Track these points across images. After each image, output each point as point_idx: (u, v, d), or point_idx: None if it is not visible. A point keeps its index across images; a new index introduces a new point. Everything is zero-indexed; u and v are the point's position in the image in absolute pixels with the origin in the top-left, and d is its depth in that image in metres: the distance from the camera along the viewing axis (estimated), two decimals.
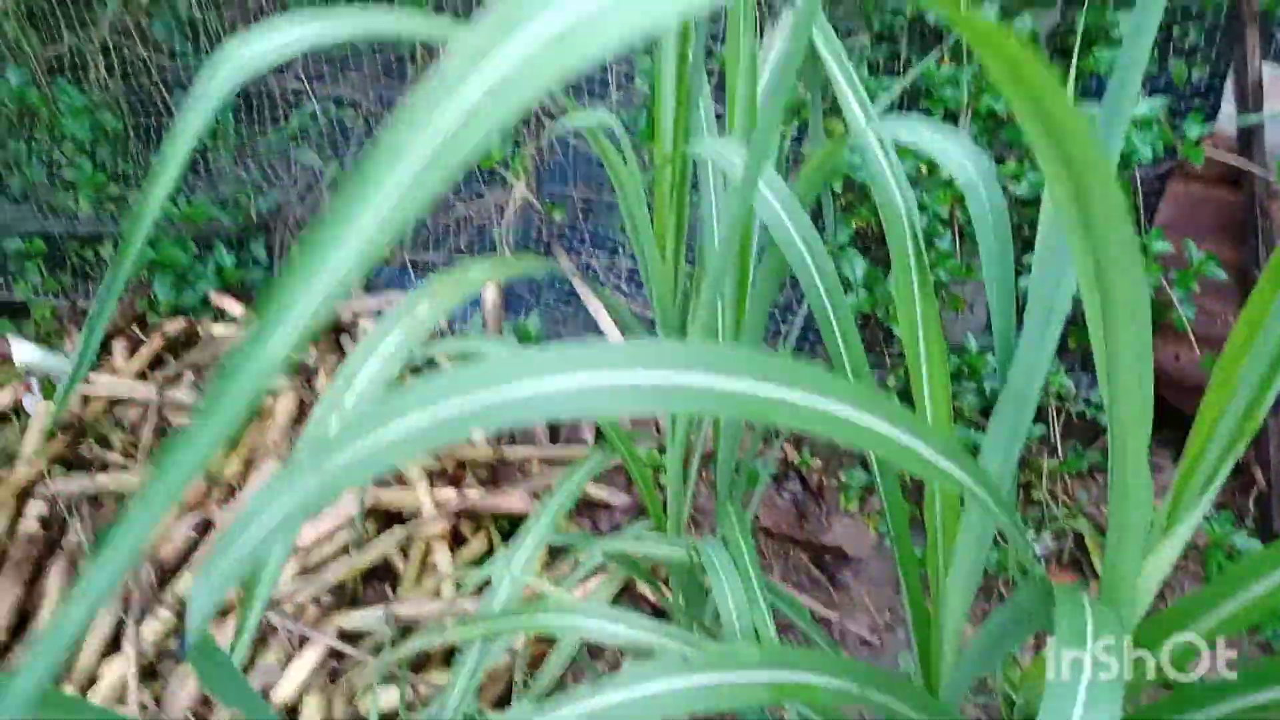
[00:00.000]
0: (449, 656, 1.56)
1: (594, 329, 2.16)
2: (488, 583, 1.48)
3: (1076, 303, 1.94)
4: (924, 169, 1.72)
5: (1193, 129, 1.63)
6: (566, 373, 0.44)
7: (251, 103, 2.17)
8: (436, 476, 1.76)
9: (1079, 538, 1.85)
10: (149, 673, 1.43)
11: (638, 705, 0.72)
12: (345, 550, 1.59)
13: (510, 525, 1.72)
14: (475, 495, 1.70)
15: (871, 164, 0.89)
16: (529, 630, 1.06)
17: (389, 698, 1.43)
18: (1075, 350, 1.95)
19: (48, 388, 1.86)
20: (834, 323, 0.95)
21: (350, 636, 1.48)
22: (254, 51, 0.79)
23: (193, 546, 1.58)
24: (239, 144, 2.19)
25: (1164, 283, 1.74)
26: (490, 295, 2.17)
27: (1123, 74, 0.61)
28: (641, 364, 0.46)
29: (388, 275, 2.26)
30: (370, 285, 2.25)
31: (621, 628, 0.96)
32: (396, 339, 0.80)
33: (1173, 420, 1.98)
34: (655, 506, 1.26)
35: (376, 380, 0.77)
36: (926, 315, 0.91)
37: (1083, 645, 0.62)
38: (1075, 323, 1.89)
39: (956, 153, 0.87)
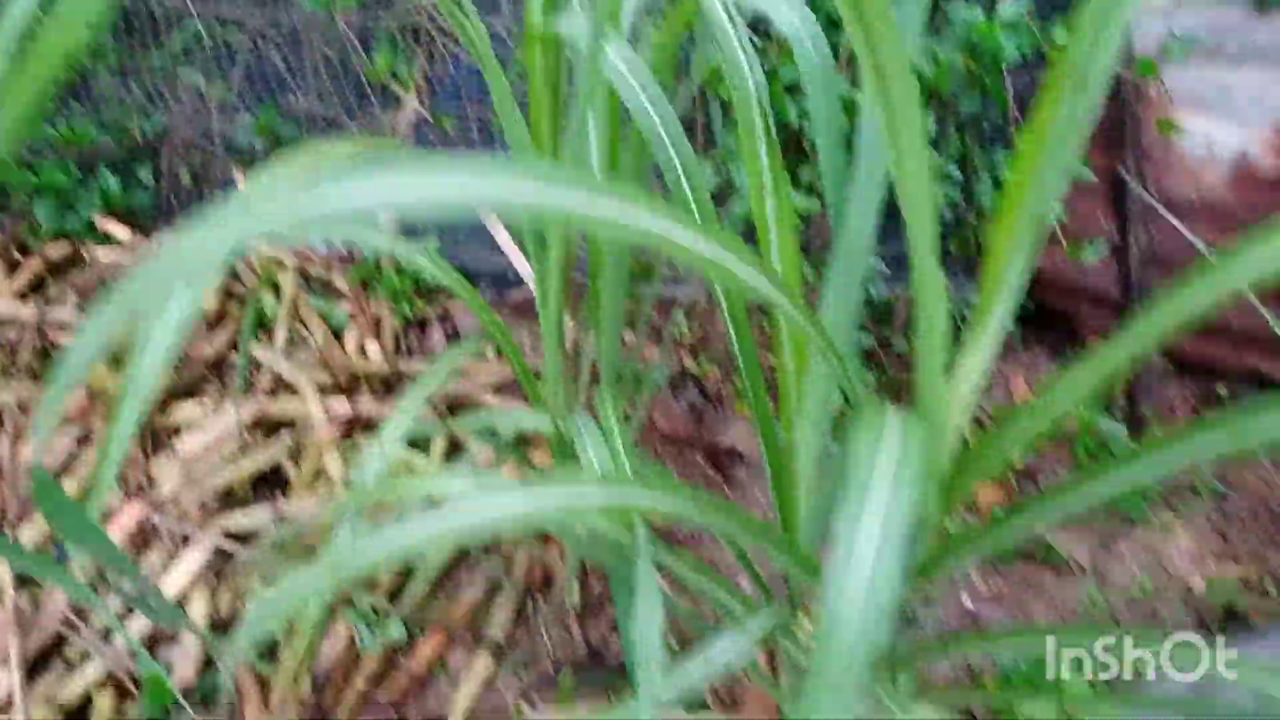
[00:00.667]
0: None
1: (495, 247, 2.16)
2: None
3: (955, 207, 1.99)
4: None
5: (1059, 33, 1.69)
6: (427, 174, 0.49)
7: (132, 22, 2.11)
8: (329, 389, 1.76)
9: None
10: (24, 580, 1.42)
11: (486, 516, 0.75)
12: (232, 460, 1.58)
13: None
14: (368, 404, 1.71)
15: (719, 33, 0.92)
16: (388, 497, 1.08)
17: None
18: (957, 255, 2.01)
19: None
20: (682, 179, 0.98)
21: (239, 538, 1.49)
22: None
23: (73, 459, 1.57)
24: (120, 64, 2.13)
25: None
26: (387, 217, 2.16)
27: None
28: (483, 172, 0.51)
29: None
30: None
31: (468, 483, 0.99)
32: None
33: (1057, 321, 2.08)
34: (531, 387, 1.29)
35: None
36: (776, 182, 0.94)
37: (879, 445, 0.66)
38: (957, 227, 1.96)
39: (786, 11, 0.89)
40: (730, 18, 0.95)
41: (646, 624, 0.86)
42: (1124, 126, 1.84)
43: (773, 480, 1.04)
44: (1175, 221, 1.78)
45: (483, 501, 0.72)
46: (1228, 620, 1.61)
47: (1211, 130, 1.83)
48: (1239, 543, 1.76)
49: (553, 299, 1.17)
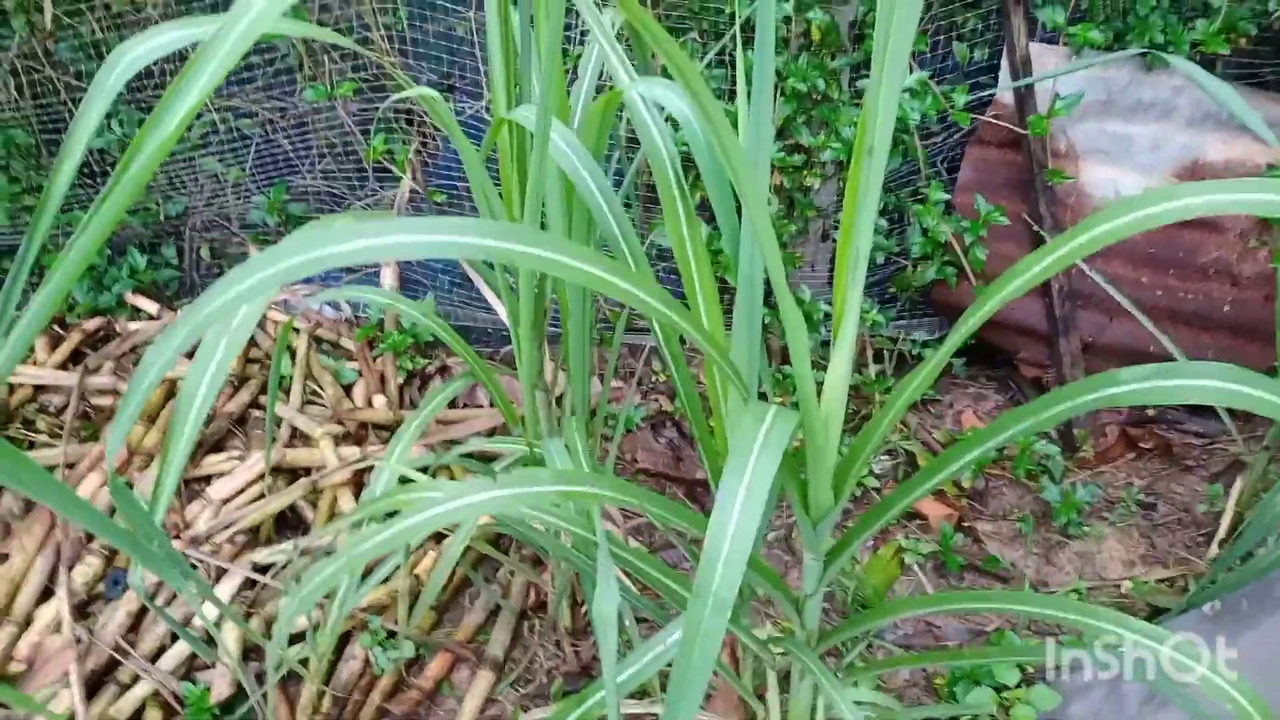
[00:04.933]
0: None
1: (486, 308, 2.38)
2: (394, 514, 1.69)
3: (895, 254, 2.24)
4: None
5: (959, 97, 1.93)
6: (418, 231, 0.70)
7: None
8: (341, 439, 1.96)
9: (910, 455, 2.13)
10: (81, 612, 1.60)
11: (459, 511, 0.96)
12: (257, 499, 1.78)
13: None
14: (377, 449, 1.91)
15: (636, 116, 1.14)
16: (393, 508, 1.27)
17: (299, 621, 1.63)
18: (901, 296, 2.24)
19: None
20: (619, 237, 1.18)
21: (265, 569, 1.68)
22: (144, 49, 1.02)
23: (115, 508, 1.76)
24: None
25: (960, 233, 2.04)
26: (388, 279, 2.38)
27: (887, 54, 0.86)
28: (443, 231, 0.73)
29: None
30: None
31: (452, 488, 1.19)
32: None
33: (996, 355, 2.28)
34: (511, 418, 1.50)
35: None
36: (693, 236, 1.15)
37: (759, 428, 0.87)
38: (895, 271, 2.18)
39: (675, 100, 1.11)
40: (645, 103, 1.16)
41: (603, 603, 1.05)
42: (1032, 176, 2.07)
43: (712, 477, 1.25)
44: (1084, 266, 2.00)
45: (460, 500, 0.92)
46: (1152, 616, 1.79)
47: (1117, 177, 2.07)
48: (1164, 548, 1.95)
49: (525, 341, 1.38)
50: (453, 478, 1.79)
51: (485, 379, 1.41)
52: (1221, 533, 1.88)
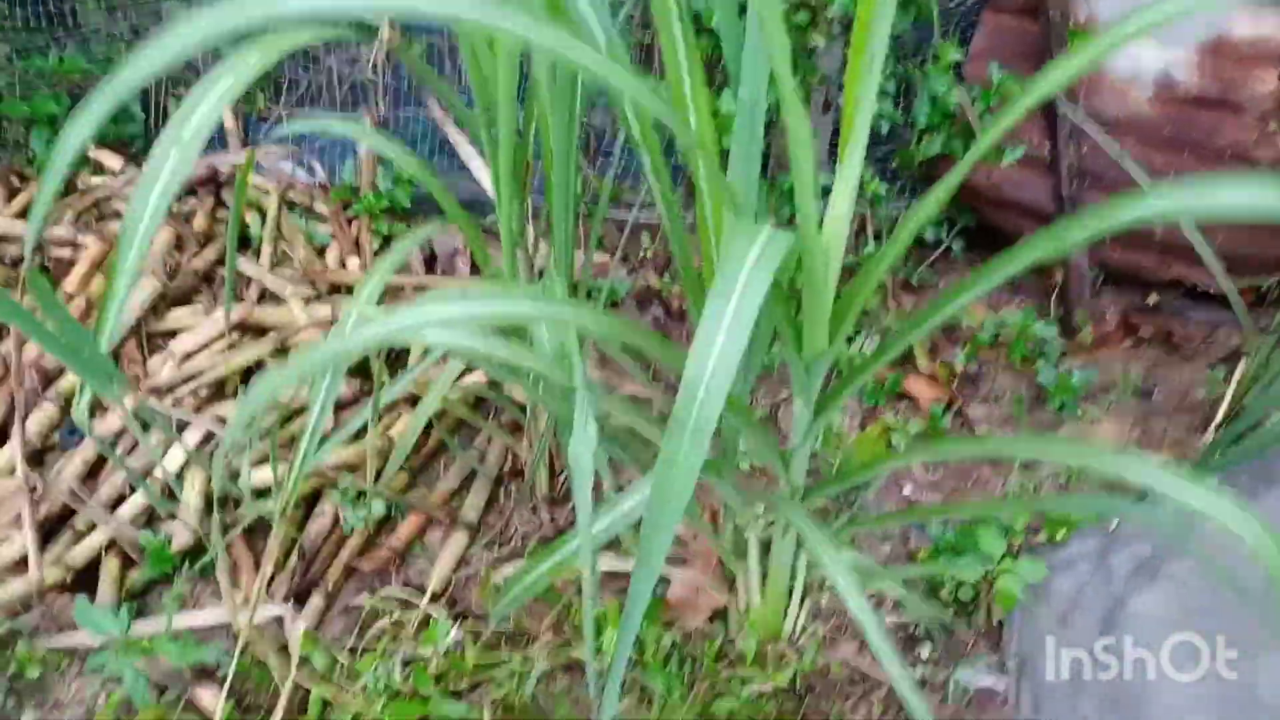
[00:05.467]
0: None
1: (468, 176, 2.27)
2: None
3: (894, 127, 2.10)
4: None
5: None
6: None
7: None
8: (311, 299, 1.88)
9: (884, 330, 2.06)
10: (36, 459, 1.54)
11: (432, 321, 0.88)
12: (222, 357, 1.70)
13: None
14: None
15: None
16: (369, 342, 1.19)
17: (263, 475, 1.57)
18: (903, 175, 2.14)
19: None
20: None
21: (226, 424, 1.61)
22: None
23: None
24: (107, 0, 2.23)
25: (970, 105, 1.93)
26: (364, 148, 2.27)
27: None
28: None
29: (265, 130, 2.33)
30: (247, 141, 2.32)
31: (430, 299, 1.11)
32: (227, 83, 0.92)
33: (997, 237, 2.20)
34: (485, 259, 1.41)
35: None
36: (690, 56, 1.06)
37: (750, 246, 0.79)
38: (902, 143, 2.08)
39: None
40: None
41: (579, 445, 0.99)
42: (1049, 45, 1.96)
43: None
44: (1100, 137, 1.90)
45: (437, 307, 0.85)
46: (1141, 499, 1.75)
47: (1137, 51, 1.95)
48: (1158, 432, 1.90)
49: (505, 188, 1.29)
50: None
51: (463, 225, 1.32)
52: (1219, 418, 1.83)
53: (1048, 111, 2.01)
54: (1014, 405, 1.96)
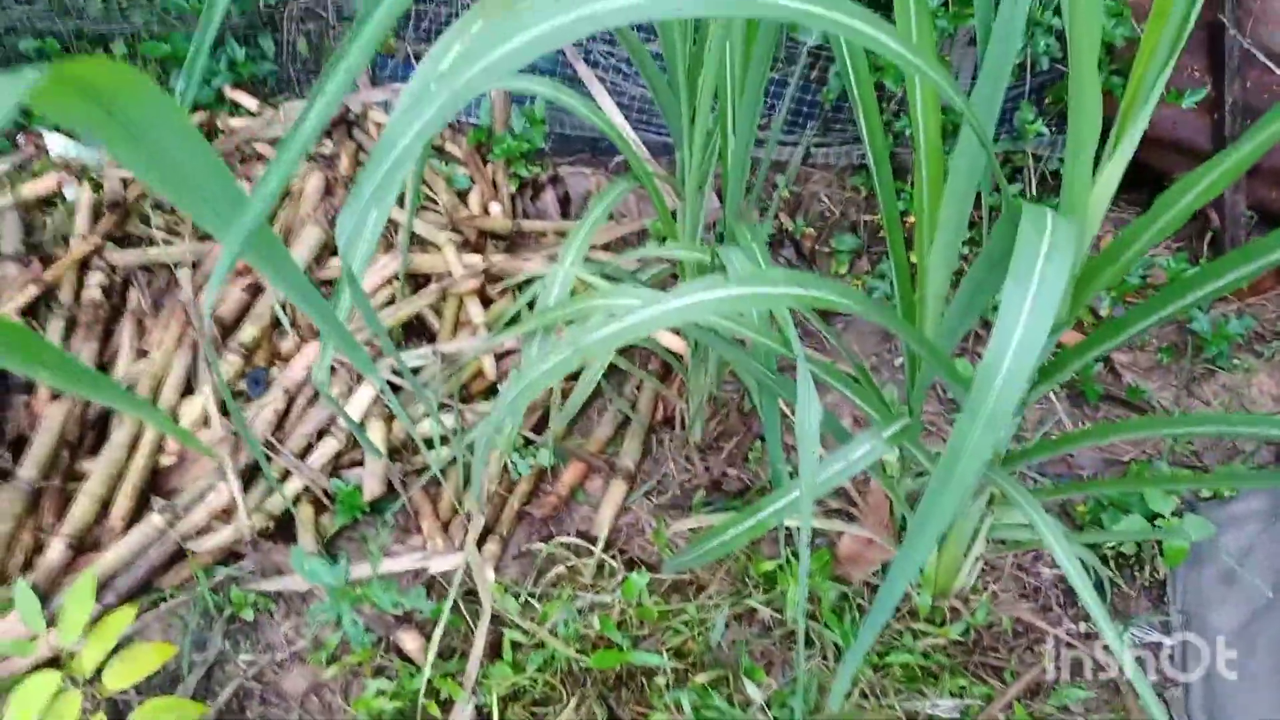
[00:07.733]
0: (490, 391, 1.75)
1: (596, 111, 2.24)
2: (515, 320, 1.65)
3: (1054, 63, 2.03)
4: None
5: None
6: None
7: None
8: (461, 246, 1.90)
9: None
10: (223, 410, 1.60)
11: (690, 310, 0.89)
12: (388, 305, 1.74)
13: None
14: (499, 259, 1.85)
15: None
16: (582, 316, 1.21)
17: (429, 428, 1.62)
18: (1052, 108, 2.06)
19: (84, 175, 1.95)
20: None
21: (397, 374, 1.66)
22: None
23: (246, 306, 1.73)
24: None
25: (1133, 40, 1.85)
26: (496, 89, 2.24)
27: None
28: None
29: (392, 68, 2.32)
30: (376, 79, 2.31)
31: (640, 295, 1.12)
32: (458, 50, 0.91)
33: (1149, 176, 2.13)
34: (670, 225, 1.41)
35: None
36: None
37: (1041, 234, 0.79)
38: (1055, 82, 2.00)
39: None
40: None
41: (805, 413, 1.01)
42: None
43: (901, 296, 1.17)
44: (1275, 67, 1.81)
45: (705, 294, 0.86)
46: None
47: None
48: None
49: (692, 133, 1.28)
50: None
51: (646, 181, 1.32)
52: None
53: (1213, 44, 1.91)
54: (1161, 352, 1.93)
